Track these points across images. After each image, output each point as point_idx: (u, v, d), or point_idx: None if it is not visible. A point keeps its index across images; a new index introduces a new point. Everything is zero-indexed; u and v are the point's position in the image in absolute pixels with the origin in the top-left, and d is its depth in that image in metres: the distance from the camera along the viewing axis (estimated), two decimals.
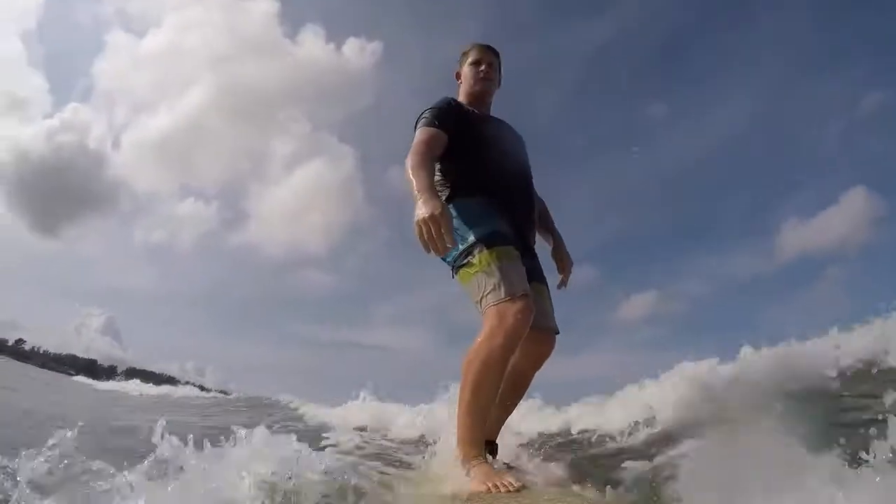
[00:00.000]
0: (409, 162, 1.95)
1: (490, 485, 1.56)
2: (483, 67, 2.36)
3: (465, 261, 1.95)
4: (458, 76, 2.43)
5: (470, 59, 2.39)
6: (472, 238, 1.96)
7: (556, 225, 2.55)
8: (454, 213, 2.02)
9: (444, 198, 2.05)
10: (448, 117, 2.16)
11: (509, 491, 1.52)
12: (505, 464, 2.17)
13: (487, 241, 1.93)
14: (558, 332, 2.21)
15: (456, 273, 2.02)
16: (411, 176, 1.89)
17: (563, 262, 2.45)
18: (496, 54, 2.43)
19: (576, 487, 2.11)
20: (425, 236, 1.73)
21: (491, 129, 2.30)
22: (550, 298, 2.27)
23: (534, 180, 2.41)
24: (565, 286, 2.41)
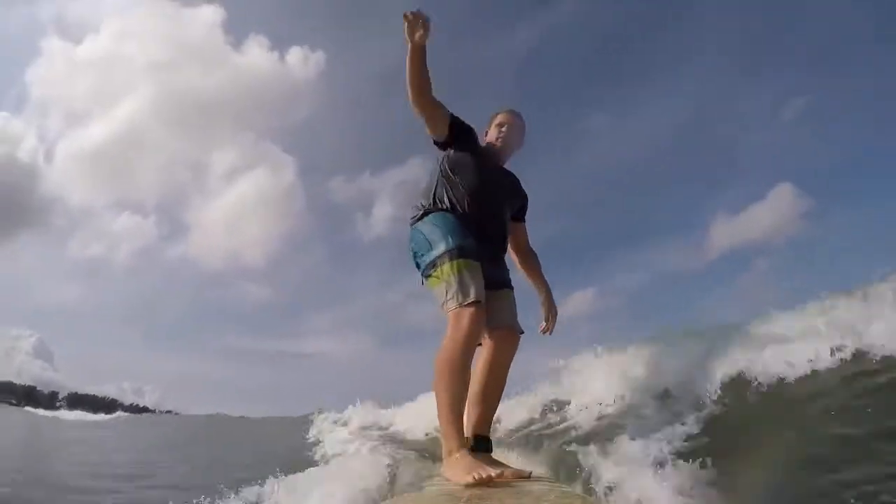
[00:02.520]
0: (416, 99, 2.30)
1: (475, 475, 1.65)
2: (505, 128, 2.58)
3: (432, 271, 2.17)
4: (485, 135, 2.63)
5: (496, 121, 2.61)
6: (437, 251, 2.16)
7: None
8: (429, 223, 2.29)
9: (424, 207, 2.36)
10: (460, 124, 2.45)
11: (490, 478, 1.64)
12: (497, 460, 2.19)
13: (452, 253, 2.12)
14: (522, 332, 2.39)
15: (425, 280, 2.24)
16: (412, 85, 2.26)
17: (549, 312, 2.64)
18: (520, 118, 2.65)
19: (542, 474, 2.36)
20: (411, 25, 2.15)
21: (487, 163, 2.48)
22: (514, 303, 2.45)
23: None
24: (549, 333, 2.65)
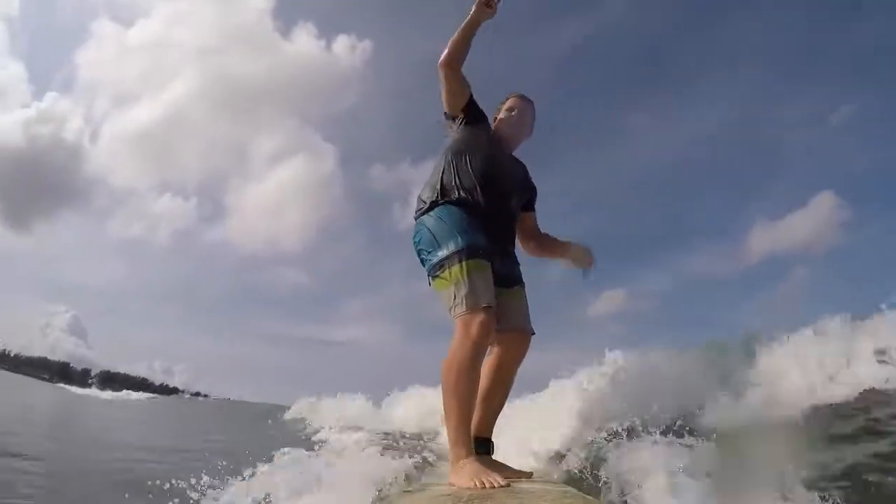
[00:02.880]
0: (447, 63, 2.26)
1: (476, 481, 1.63)
2: (515, 112, 2.50)
3: (439, 273, 2.06)
4: (494, 120, 2.54)
5: (506, 106, 2.52)
6: (446, 251, 2.06)
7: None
8: (436, 218, 2.16)
9: (429, 199, 2.23)
10: (476, 105, 2.39)
11: (493, 487, 1.61)
12: (500, 463, 2.17)
13: (460, 254, 2.02)
14: (534, 333, 2.30)
15: (432, 281, 2.14)
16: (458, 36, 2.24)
17: (582, 251, 2.54)
18: (531, 104, 2.57)
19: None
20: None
21: (499, 154, 2.39)
22: (526, 301, 2.35)
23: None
24: (592, 266, 2.54)
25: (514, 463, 2.29)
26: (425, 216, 2.21)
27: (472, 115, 2.38)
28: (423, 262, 2.20)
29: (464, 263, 2.01)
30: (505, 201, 2.33)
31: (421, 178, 2.32)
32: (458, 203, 2.19)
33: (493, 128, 2.51)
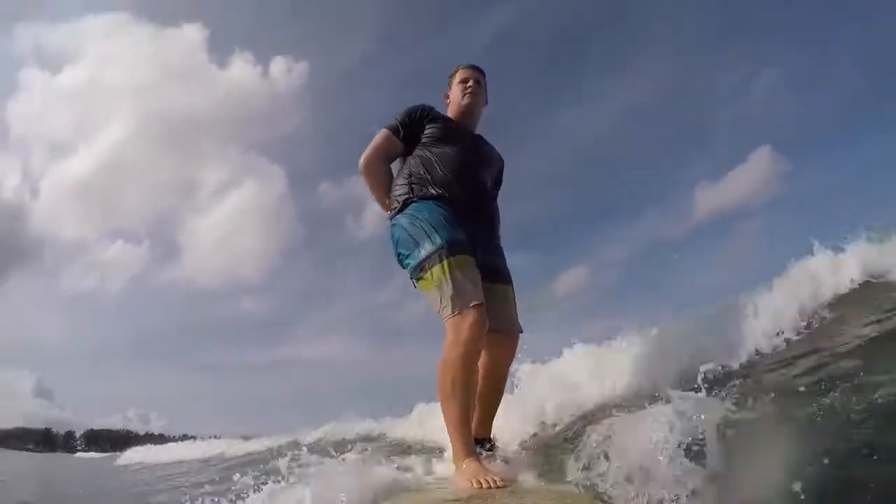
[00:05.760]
0: (364, 169, 2.25)
1: (475, 481, 1.61)
2: (470, 83, 2.38)
3: (420, 275, 1.97)
4: (446, 97, 2.46)
5: (458, 79, 2.41)
6: (424, 251, 1.95)
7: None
8: (410, 216, 2.06)
9: (401, 197, 2.14)
10: (411, 124, 2.25)
11: (490, 487, 1.58)
12: (501, 459, 2.17)
13: (440, 252, 1.92)
14: (521, 332, 2.24)
15: (416, 283, 2.04)
16: (371, 193, 2.27)
17: None
18: (482, 73, 2.45)
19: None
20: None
21: (462, 138, 2.28)
22: (514, 298, 2.27)
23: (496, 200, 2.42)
24: None
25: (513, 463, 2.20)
26: (399, 216, 2.12)
27: (410, 126, 2.28)
28: (402, 264, 2.12)
29: (445, 262, 1.92)
30: (481, 188, 2.27)
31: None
32: (433, 198, 2.11)
33: (446, 105, 2.46)
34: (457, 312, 1.87)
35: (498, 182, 2.48)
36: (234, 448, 12.28)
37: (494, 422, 2.37)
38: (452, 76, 2.47)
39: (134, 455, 19.40)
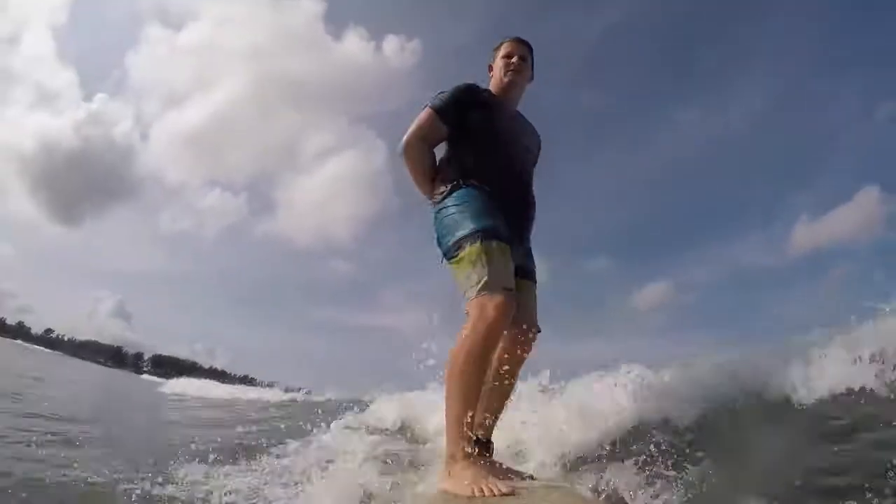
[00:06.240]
0: (406, 151, 2.19)
1: (476, 488, 1.51)
2: (514, 59, 2.31)
3: (456, 253, 1.95)
4: (490, 69, 2.40)
5: (502, 53, 2.35)
6: (465, 231, 1.95)
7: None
8: (453, 200, 2.06)
9: (445, 185, 2.12)
10: (456, 107, 2.18)
11: (494, 495, 1.47)
12: (500, 464, 2.08)
13: (479, 234, 1.91)
14: (540, 331, 2.19)
15: (448, 262, 2.02)
16: (411, 176, 2.22)
17: None
18: (529, 48, 2.38)
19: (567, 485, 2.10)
20: None
21: (505, 122, 2.26)
22: (536, 298, 2.24)
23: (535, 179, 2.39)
24: None
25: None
26: (447, 199, 2.11)
27: (456, 110, 2.18)
28: (440, 245, 2.09)
29: (483, 243, 1.92)
30: (526, 185, 2.30)
31: None
32: (479, 187, 2.10)
33: (489, 79, 2.40)
34: (486, 291, 1.84)
35: (535, 163, 2.45)
36: (269, 395, 13.14)
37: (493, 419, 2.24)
38: (497, 48, 2.41)
39: (176, 385, 20.23)
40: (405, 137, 2.19)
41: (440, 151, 2.27)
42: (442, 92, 2.23)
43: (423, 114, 2.19)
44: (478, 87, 2.31)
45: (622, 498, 2.01)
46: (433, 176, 2.21)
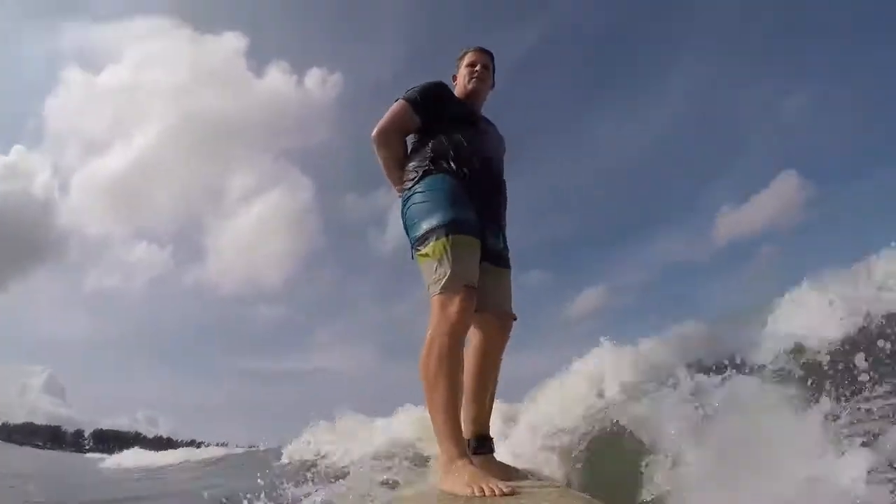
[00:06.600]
0: (378, 138, 2.17)
1: (475, 488, 1.48)
2: (478, 68, 2.36)
3: (422, 246, 1.93)
4: (454, 79, 2.44)
5: (466, 62, 2.40)
6: (432, 223, 1.92)
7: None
8: (421, 188, 2.03)
9: (420, 168, 2.08)
10: (428, 100, 2.19)
11: (495, 495, 1.44)
12: (499, 462, 2.06)
13: (446, 227, 1.89)
14: (515, 318, 2.17)
15: (414, 255, 2.00)
16: (382, 164, 2.21)
17: None
18: (491, 56, 2.44)
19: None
20: None
21: (472, 119, 2.28)
22: (510, 284, 2.21)
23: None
24: None
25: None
26: (416, 185, 2.07)
27: (426, 104, 2.19)
28: (407, 234, 2.07)
29: (449, 238, 1.89)
30: (496, 171, 2.26)
31: (396, 201, 2.22)
32: (451, 173, 2.06)
33: (453, 85, 2.42)
34: (447, 289, 1.83)
35: (504, 153, 2.44)
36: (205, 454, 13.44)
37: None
38: (461, 58, 2.44)
39: (121, 459, 19.87)
40: (378, 126, 2.18)
41: (410, 143, 2.28)
42: (414, 86, 2.23)
43: (396, 105, 2.19)
44: (448, 86, 2.34)
45: (620, 496, 1.99)
46: (404, 166, 2.18)
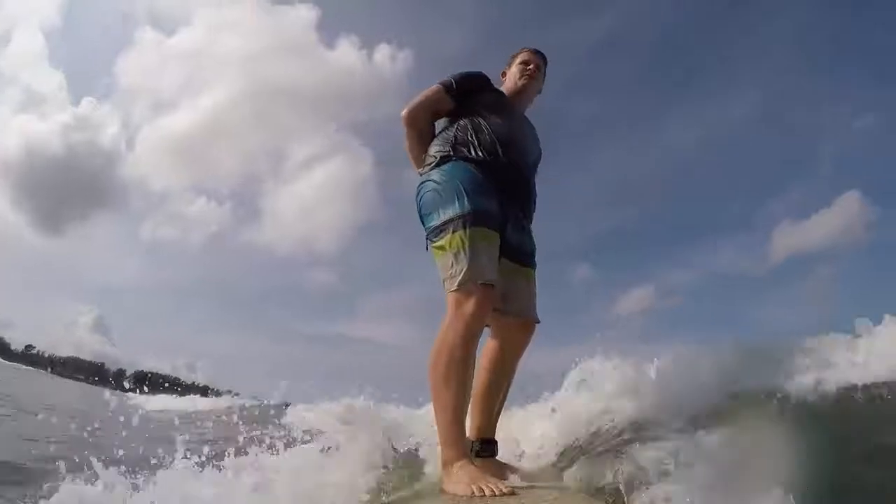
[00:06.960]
0: (407, 118, 2.11)
1: (475, 488, 1.45)
2: (531, 66, 2.33)
3: (437, 238, 1.83)
4: (503, 75, 2.39)
5: (519, 59, 2.36)
6: (450, 213, 1.80)
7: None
8: (439, 174, 1.92)
9: (440, 153, 2.00)
10: (463, 85, 2.14)
11: (495, 495, 1.41)
12: (500, 462, 2.02)
13: (466, 219, 1.78)
14: (538, 322, 2.04)
15: (429, 245, 1.89)
16: (407, 145, 2.15)
17: None
18: (545, 60, 2.41)
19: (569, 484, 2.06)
20: None
21: (511, 112, 2.19)
22: (535, 284, 2.09)
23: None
24: None
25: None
26: (433, 171, 1.97)
27: (466, 86, 2.16)
28: (423, 223, 1.97)
29: (467, 230, 1.78)
30: (525, 165, 2.14)
31: None
32: (473, 161, 1.96)
33: (502, 83, 2.38)
34: (464, 286, 1.74)
35: (539, 157, 2.36)
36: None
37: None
38: (515, 55, 2.41)
39: (155, 400, 20.34)
40: (408, 105, 2.14)
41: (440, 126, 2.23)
42: (457, 72, 2.21)
43: (430, 88, 2.14)
44: (489, 77, 2.30)
45: (622, 496, 1.97)
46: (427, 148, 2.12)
